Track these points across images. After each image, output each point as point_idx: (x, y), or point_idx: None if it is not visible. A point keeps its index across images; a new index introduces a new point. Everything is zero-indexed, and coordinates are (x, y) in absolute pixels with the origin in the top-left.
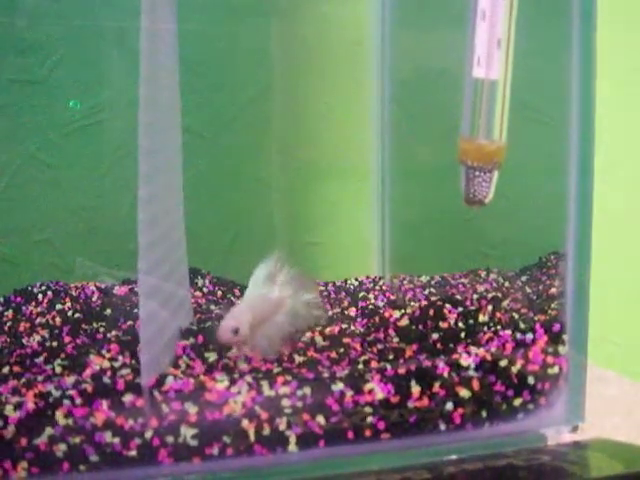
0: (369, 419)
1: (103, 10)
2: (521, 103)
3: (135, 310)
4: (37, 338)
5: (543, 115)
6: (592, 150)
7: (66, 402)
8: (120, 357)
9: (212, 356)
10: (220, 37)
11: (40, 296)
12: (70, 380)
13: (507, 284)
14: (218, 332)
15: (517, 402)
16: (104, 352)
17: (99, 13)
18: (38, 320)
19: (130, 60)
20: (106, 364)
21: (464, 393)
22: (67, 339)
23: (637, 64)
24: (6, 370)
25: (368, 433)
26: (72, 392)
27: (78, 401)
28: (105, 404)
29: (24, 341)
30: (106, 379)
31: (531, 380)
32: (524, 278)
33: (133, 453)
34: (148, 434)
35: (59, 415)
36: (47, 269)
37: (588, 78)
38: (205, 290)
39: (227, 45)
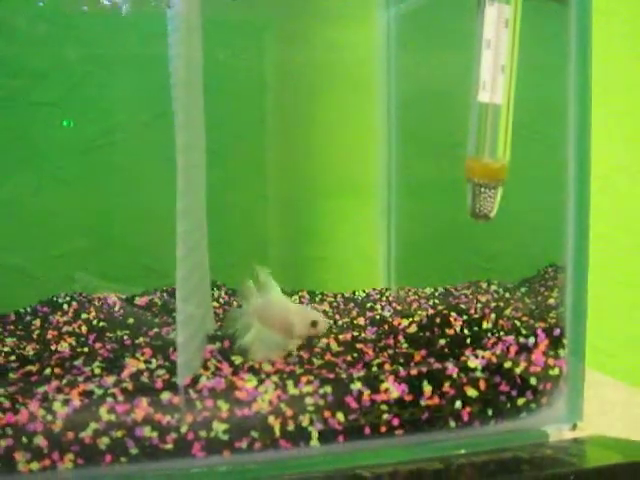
0: (385, 416)
1: (119, 36)
2: (521, 123)
3: (156, 319)
4: (65, 346)
5: (541, 134)
6: (588, 166)
7: (109, 399)
8: (153, 360)
9: (238, 359)
10: (230, 58)
11: (65, 306)
12: (110, 380)
13: (508, 295)
14: (322, 324)
15: (520, 401)
16: (138, 355)
17: (115, 39)
18: (65, 329)
19: (144, 83)
20: (142, 366)
21: (472, 393)
22: (96, 346)
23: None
24: (48, 372)
25: (384, 429)
26: (114, 390)
27: (120, 398)
28: (145, 401)
29: (52, 348)
30: (144, 379)
31: (533, 381)
32: (523, 289)
33: (169, 446)
34: (183, 429)
35: (103, 411)
36: (65, 282)
37: (584, 99)
38: (222, 301)
39: (236, 66)
